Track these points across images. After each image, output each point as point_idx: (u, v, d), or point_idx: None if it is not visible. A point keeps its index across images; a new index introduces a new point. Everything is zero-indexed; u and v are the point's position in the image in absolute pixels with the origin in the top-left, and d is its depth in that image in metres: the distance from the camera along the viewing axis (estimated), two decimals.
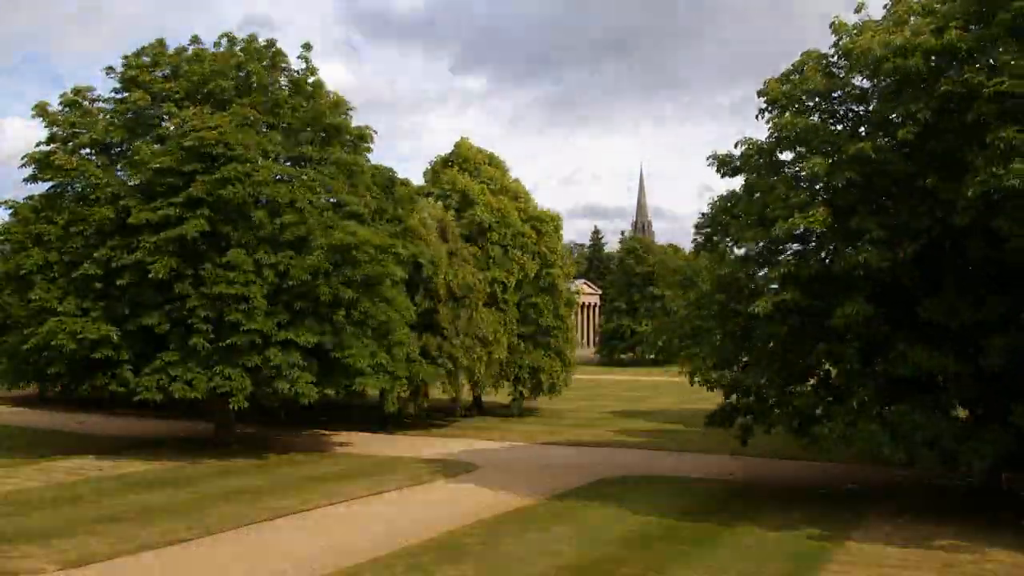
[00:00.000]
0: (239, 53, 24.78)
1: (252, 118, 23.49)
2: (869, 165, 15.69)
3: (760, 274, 17.69)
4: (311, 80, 25.63)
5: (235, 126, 22.59)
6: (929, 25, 15.38)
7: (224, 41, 25.29)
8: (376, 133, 26.41)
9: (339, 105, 25.71)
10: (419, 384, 28.47)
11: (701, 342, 19.01)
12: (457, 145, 36.50)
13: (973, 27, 15.11)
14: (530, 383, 34.39)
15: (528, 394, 35.08)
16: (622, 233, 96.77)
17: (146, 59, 24.92)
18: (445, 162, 36.12)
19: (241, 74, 24.70)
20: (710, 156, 18.79)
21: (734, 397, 19.14)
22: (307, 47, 25.54)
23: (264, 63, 24.95)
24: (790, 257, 17.15)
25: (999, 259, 14.90)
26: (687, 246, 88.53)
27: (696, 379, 19.40)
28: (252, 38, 25.21)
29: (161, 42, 25.31)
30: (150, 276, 21.44)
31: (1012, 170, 13.15)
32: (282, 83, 25.51)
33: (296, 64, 25.58)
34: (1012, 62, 13.96)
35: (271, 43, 25.27)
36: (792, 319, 16.56)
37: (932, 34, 15.10)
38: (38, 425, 30.57)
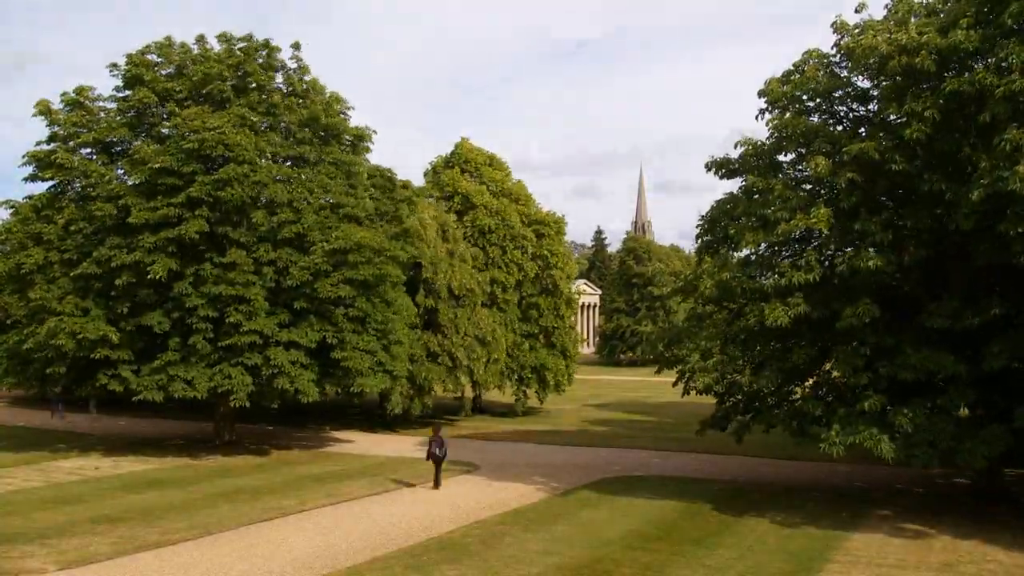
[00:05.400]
0: (238, 53, 24.71)
1: (251, 119, 23.43)
2: (871, 166, 15.63)
3: (764, 280, 17.49)
4: (306, 79, 25.58)
5: (234, 127, 22.56)
6: (932, 25, 15.34)
7: (223, 41, 25.24)
8: (376, 133, 26.42)
9: (336, 104, 25.66)
10: (422, 384, 28.48)
11: (700, 346, 18.87)
12: (458, 146, 36.43)
13: (977, 28, 15.05)
14: (535, 382, 34.47)
15: (533, 393, 35.14)
16: (627, 233, 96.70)
17: (151, 56, 24.82)
18: (446, 163, 36.11)
19: (239, 74, 24.65)
20: (708, 162, 18.76)
21: (731, 400, 19.01)
22: (296, 46, 25.39)
23: (260, 63, 24.90)
24: (792, 260, 17.02)
25: (1004, 262, 14.83)
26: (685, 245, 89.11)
27: (692, 387, 19.22)
28: (249, 38, 25.14)
29: (168, 40, 25.20)
30: (149, 276, 21.43)
31: (1017, 172, 13.07)
32: (278, 82, 25.41)
33: (290, 64, 25.53)
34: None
35: (267, 43, 25.18)
36: (799, 323, 16.45)
37: (937, 33, 15.05)
38: (38, 425, 30.53)
